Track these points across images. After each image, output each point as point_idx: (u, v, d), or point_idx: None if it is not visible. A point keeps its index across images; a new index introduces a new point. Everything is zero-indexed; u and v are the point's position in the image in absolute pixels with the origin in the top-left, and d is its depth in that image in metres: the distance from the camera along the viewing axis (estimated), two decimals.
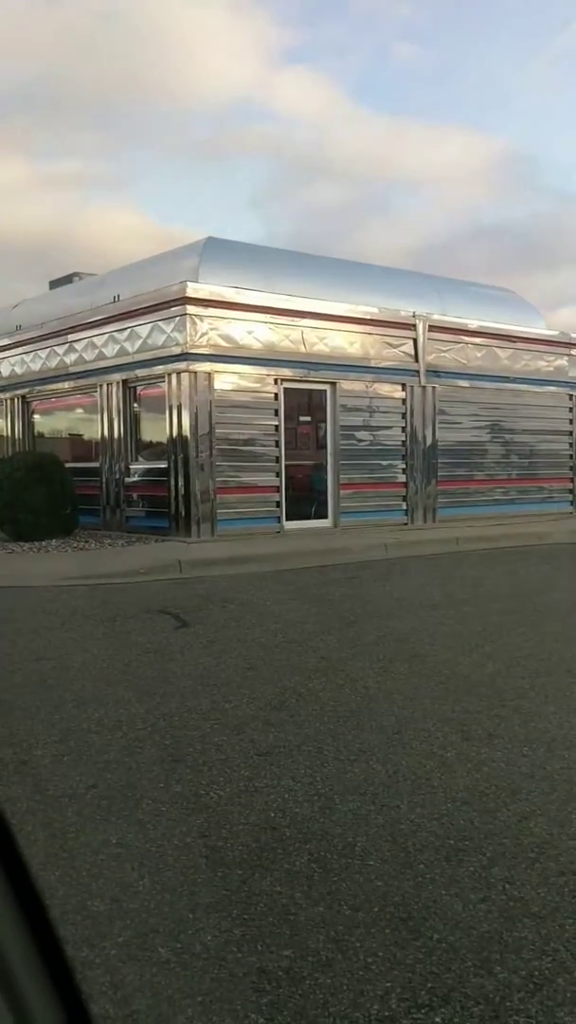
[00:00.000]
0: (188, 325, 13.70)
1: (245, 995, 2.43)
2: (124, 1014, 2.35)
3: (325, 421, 15.65)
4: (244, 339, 14.33)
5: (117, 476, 15.66)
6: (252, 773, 4.12)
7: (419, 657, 6.49)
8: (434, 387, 16.75)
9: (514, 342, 18.12)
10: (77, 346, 16.32)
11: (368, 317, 15.81)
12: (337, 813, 3.66)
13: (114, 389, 15.57)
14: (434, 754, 4.37)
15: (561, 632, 7.42)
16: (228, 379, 14.23)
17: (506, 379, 17.94)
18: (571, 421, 19.57)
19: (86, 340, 16.07)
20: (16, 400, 18.46)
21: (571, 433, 19.62)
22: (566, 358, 19.30)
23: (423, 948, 2.66)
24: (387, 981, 2.49)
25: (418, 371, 16.45)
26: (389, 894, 2.98)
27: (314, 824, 3.55)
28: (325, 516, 15.64)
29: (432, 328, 16.60)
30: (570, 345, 19.43)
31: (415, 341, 16.38)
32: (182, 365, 13.83)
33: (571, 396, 19.46)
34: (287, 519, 14.91)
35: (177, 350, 13.88)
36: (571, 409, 19.53)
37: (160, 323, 14.26)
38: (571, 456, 19.68)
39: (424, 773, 4.11)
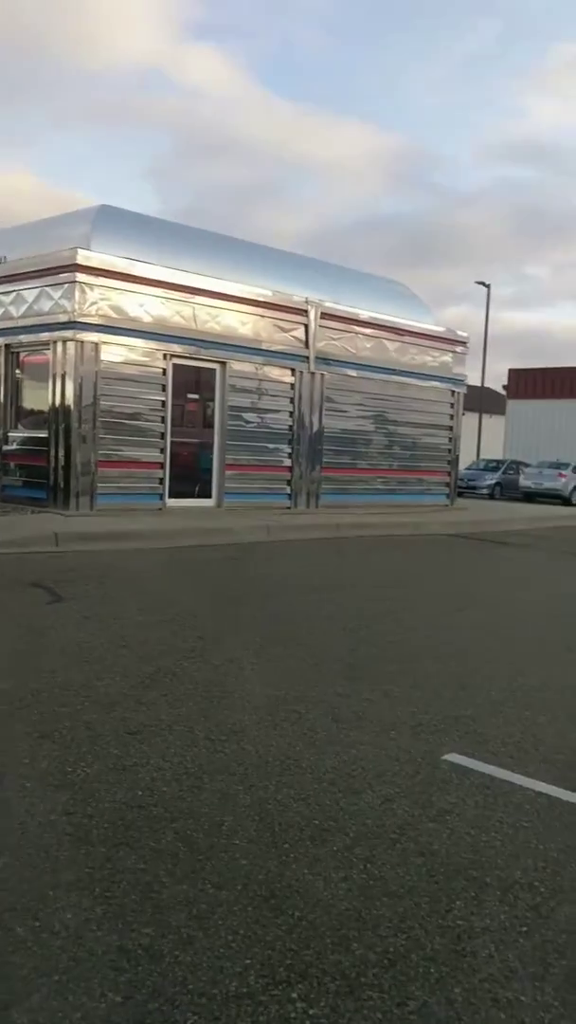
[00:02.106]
0: (77, 293, 13.35)
1: (103, 973, 2.41)
2: None
3: (213, 400, 15.57)
4: (135, 311, 14.08)
5: None
6: (121, 751, 4.08)
7: (295, 640, 6.56)
8: (323, 374, 16.90)
9: (403, 335, 18.47)
10: None
11: (261, 299, 15.79)
12: (205, 792, 3.66)
13: None
14: (304, 735, 4.43)
15: (432, 619, 7.63)
16: (116, 351, 13.96)
17: (393, 371, 18.28)
18: (452, 416, 20.12)
19: None
20: None
21: (451, 428, 20.19)
22: (451, 355, 19.82)
23: (284, 926, 2.69)
24: (247, 958, 2.52)
25: (308, 357, 16.56)
26: (253, 873, 3.00)
27: (182, 803, 3.54)
28: (209, 495, 15.59)
29: (324, 315, 16.73)
30: (455, 342, 19.95)
31: (306, 327, 16.47)
32: (69, 333, 13.48)
33: (453, 392, 20.00)
34: (170, 496, 14.78)
35: (64, 317, 13.51)
36: (452, 405, 20.08)
37: (48, 289, 13.83)
38: (450, 451, 20.26)
39: (294, 754, 4.16)
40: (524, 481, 30.36)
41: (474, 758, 4.23)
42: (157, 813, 3.44)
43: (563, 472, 29.81)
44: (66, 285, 13.49)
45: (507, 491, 30.84)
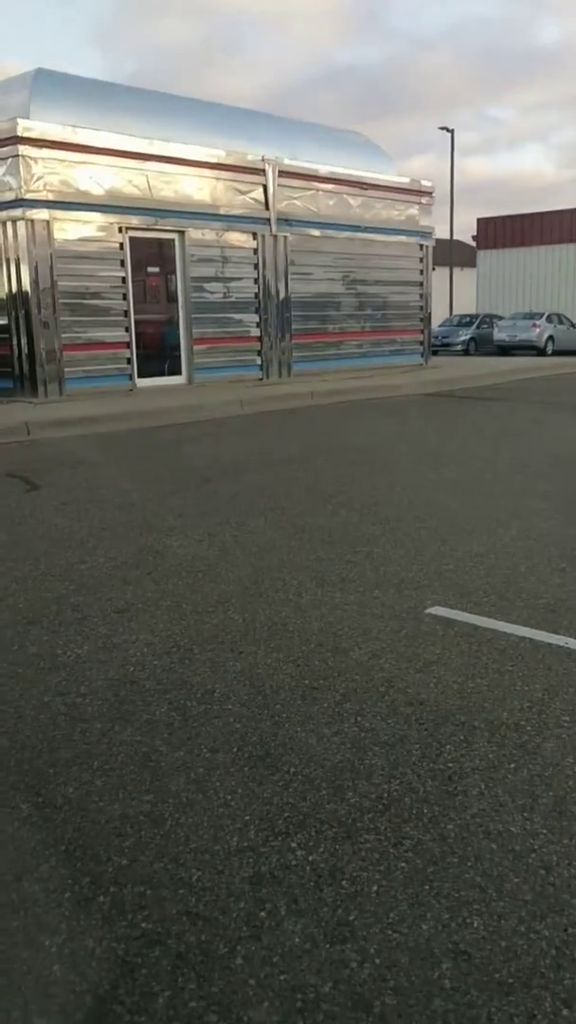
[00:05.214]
0: (22, 168, 12.68)
1: (107, 840, 2.49)
2: None
3: (175, 273, 15.09)
4: (85, 184, 13.44)
5: None
6: (110, 630, 4.12)
7: (275, 510, 6.57)
8: (286, 236, 16.36)
9: (365, 189, 17.80)
10: None
11: (216, 160, 15.09)
12: (196, 663, 3.72)
13: None
14: (290, 601, 4.48)
15: (410, 480, 7.64)
16: (69, 228, 13.39)
17: (358, 228, 17.71)
18: (421, 272, 19.64)
19: None
20: None
21: (422, 284, 19.74)
22: (417, 207, 19.17)
23: (280, 782, 2.78)
24: (246, 815, 2.60)
25: (269, 219, 15.98)
26: (247, 735, 3.08)
27: (173, 675, 3.60)
28: (179, 372, 15.33)
29: (282, 173, 16.05)
30: (420, 193, 19.26)
31: (265, 187, 15.82)
32: (17, 212, 12.88)
33: (421, 246, 19.45)
34: (139, 376, 14.52)
35: (11, 196, 12.88)
36: (422, 259, 19.56)
37: None
38: (422, 308, 19.87)
39: (280, 620, 4.21)
40: (498, 334, 29.98)
41: (458, 609, 4.31)
42: (150, 686, 3.49)
43: (537, 323, 29.42)
44: (9, 160, 12.80)
45: (481, 346, 30.51)
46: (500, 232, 38.15)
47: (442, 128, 39.44)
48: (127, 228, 14.05)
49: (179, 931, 2.12)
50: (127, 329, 14.26)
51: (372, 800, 2.67)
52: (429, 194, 19.50)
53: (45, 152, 12.93)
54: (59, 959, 2.03)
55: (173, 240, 14.88)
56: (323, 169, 16.90)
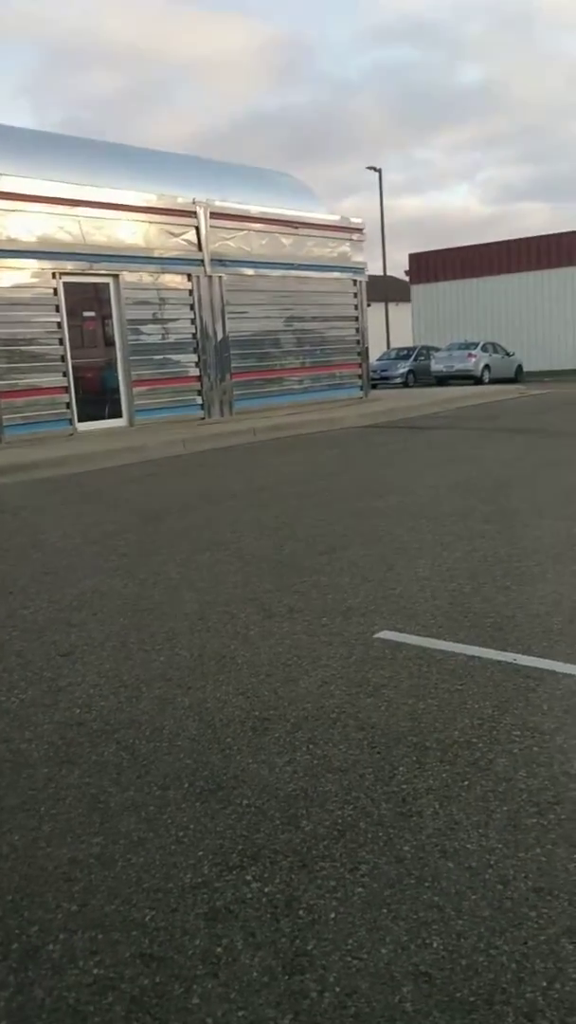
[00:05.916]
0: None
1: (56, 886, 2.40)
2: None
3: (111, 316, 15.09)
4: (16, 231, 13.40)
5: None
6: (55, 674, 4.03)
7: (221, 545, 6.53)
8: (220, 276, 16.48)
9: (297, 228, 18.06)
10: None
11: (147, 204, 15.19)
12: (144, 701, 3.65)
13: None
14: (238, 634, 4.44)
15: (355, 509, 7.67)
16: (2, 275, 13.32)
17: (291, 266, 17.93)
18: (356, 307, 19.93)
19: None
20: None
21: (357, 319, 20.01)
22: (348, 243, 19.49)
23: (233, 815, 2.72)
24: (199, 851, 2.54)
25: (203, 260, 16.10)
26: (198, 770, 3.02)
27: (121, 714, 3.53)
28: (120, 415, 15.26)
29: (214, 215, 16.21)
30: (351, 230, 19.60)
31: (197, 229, 15.96)
32: None
33: (355, 281, 19.76)
34: (80, 420, 14.43)
35: None
36: (355, 295, 19.86)
37: None
38: (359, 342, 20.12)
39: (228, 653, 4.17)
40: (435, 365, 30.47)
41: (406, 632, 4.31)
42: (97, 727, 3.42)
43: (472, 352, 29.99)
44: None
45: (420, 377, 30.97)
46: (431, 266, 38.98)
47: (370, 168, 40.27)
48: (61, 273, 14.03)
49: (132, 975, 2.05)
50: (65, 374, 14.18)
51: (327, 827, 2.63)
52: (359, 231, 19.85)
53: None
54: (7, 1015, 1.95)
55: (108, 284, 14.89)
56: (254, 209, 17.12)
